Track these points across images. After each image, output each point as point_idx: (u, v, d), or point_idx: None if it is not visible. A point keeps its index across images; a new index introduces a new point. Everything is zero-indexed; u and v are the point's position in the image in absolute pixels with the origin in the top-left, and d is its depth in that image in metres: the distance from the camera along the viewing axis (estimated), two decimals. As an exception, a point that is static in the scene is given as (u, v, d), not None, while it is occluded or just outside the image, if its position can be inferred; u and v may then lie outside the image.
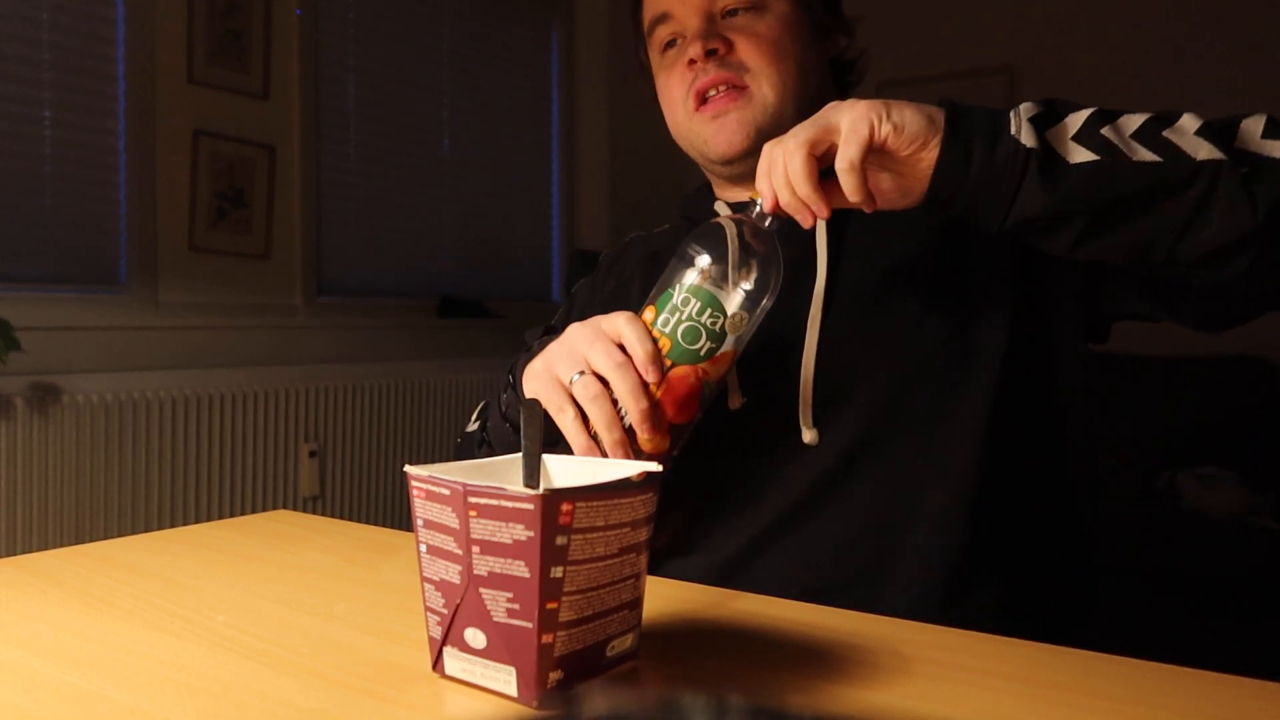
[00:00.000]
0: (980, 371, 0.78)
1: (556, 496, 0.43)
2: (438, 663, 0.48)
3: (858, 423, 0.79)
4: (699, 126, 0.88)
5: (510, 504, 0.43)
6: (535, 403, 0.58)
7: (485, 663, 0.46)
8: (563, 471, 0.56)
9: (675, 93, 0.89)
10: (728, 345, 0.66)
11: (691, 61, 0.86)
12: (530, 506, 0.43)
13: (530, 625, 0.44)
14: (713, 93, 0.86)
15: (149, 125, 2.38)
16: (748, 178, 0.88)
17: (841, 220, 0.85)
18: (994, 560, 0.76)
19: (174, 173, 2.43)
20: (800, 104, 0.86)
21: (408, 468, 0.48)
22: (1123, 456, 2.51)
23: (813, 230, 0.83)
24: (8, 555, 1.60)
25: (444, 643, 0.48)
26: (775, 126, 0.83)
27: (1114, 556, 2.11)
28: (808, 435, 0.79)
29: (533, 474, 0.55)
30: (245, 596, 0.63)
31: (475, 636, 0.46)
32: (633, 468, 0.49)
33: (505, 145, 3.35)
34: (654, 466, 0.50)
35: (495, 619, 0.45)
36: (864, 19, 0.93)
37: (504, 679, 0.45)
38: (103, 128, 2.30)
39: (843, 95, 0.92)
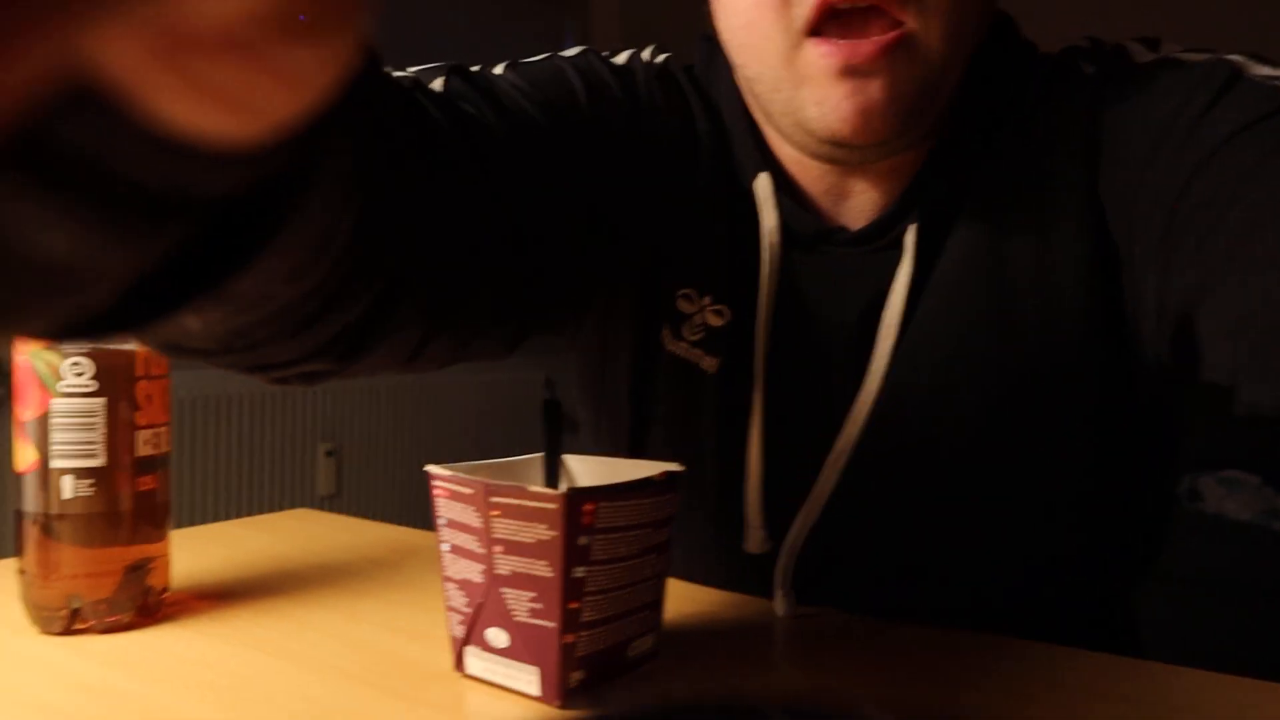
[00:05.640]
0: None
1: (579, 496, 0.43)
2: (460, 662, 0.48)
3: (853, 591, 0.60)
4: (814, 78, 0.51)
5: (533, 504, 0.43)
6: (555, 401, 0.58)
7: (507, 662, 0.46)
8: (584, 471, 0.56)
9: None
10: None
11: None
12: (553, 506, 0.43)
13: (553, 625, 0.44)
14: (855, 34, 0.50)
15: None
16: (848, 164, 0.58)
17: (928, 260, 0.58)
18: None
19: (194, 173, 2.45)
20: (962, 66, 0.55)
21: (430, 467, 0.48)
22: (1143, 459, 2.49)
23: (886, 278, 0.58)
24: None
25: (466, 642, 0.48)
26: (928, 101, 0.53)
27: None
28: (780, 604, 0.59)
29: (553, 474, 0.55)
30: (267, 594, 0.63)
31: (497, 636, 0.46)
32: (654, 468, 0.49)
33: (522, 146, 3.36)
34: (675, 467, 0.49)
35: (517, 619, 0.45)
36: None
37: (526, 679, 0.45)
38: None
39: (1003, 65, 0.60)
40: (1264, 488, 2.36)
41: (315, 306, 0.36)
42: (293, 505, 2.50)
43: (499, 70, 0.61)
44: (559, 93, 0.60)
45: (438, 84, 0.54)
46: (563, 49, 0.65)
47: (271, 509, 2.48)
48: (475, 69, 0.59)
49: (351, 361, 0.42)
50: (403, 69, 0.55)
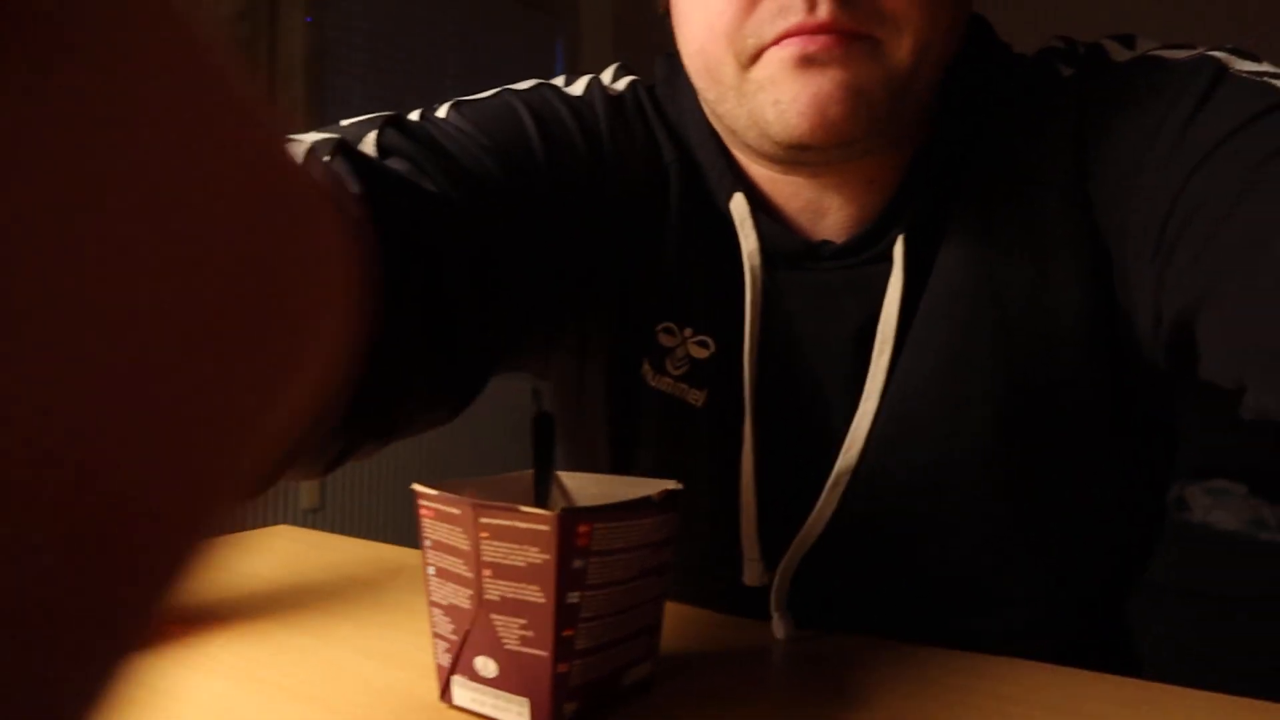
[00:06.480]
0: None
1: (574, 517, 0.41)
2: (445, 692, 0.46)
3: (852, 613, 0.59)
4: (772, 77, 0.50)
5: (525, 525, 0.41)
6: (547, 415, 0.56)
7: (496, 693, 0.43)
8: (578, 489, 0.54)
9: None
10: None
11: None
12: (546, 528, 0.40)
13: (545, 654, 0.41)
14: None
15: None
16: (816, 168, 0.56)
17: (918, 272, 0.56)
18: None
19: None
20: (934, 74, 0.53)
21: (416, 486, 0.45)
22: (1132, 470, 2.48)
23: (877, 292, 0.57)
24: None
25: (452, 671, 0.45)
26: (895, 105, 0.51)
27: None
28: (778, 627, 0.57)
29: (544, 491, 0.53)
30: (243, 618, 0.61)
31: (486, 665, 0.43)
32: (653, 486, 0.47)
33: (509, 156, 3.34)
34: (675, 485, 0.47)
35: (507, 647, 0.42)
36: None
37: (516, 710, 0.43)
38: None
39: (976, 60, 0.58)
40: (1251, 497, 2.35)
41: None
42: (275, 519, 2.46)
43: (443, 113, 0.57)
44: (511, 137, 0.57)
45: (369, 141, 0.51)
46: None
47: (253, 523, 2.44)
48: (415, 116, 0.55)
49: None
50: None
